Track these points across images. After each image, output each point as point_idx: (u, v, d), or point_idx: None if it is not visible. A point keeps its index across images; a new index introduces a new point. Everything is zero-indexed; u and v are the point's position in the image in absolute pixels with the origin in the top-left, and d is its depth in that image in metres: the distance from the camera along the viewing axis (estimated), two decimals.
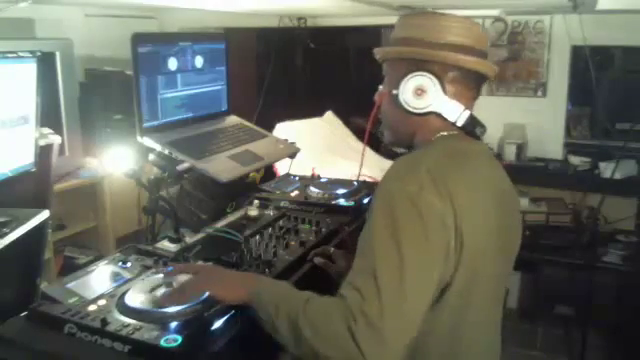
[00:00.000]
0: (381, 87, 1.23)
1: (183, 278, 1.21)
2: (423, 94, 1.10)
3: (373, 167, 2.30)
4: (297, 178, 2.11)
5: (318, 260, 1.44)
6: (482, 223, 1.04)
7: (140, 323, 1.07)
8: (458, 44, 1.11)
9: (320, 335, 0.94)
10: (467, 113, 1.12)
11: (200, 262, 1.37)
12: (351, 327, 0.90)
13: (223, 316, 1.11)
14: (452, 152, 1.09)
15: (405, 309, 0.92)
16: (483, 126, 1.14)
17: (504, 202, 1.13)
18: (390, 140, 1.25)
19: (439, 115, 1.12)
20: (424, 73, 1.10)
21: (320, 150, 2.41)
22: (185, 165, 1.50)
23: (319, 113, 2.88)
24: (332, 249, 1.48)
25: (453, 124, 1.12)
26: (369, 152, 2.63)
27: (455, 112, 1.12)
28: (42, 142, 1.90)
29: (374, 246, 0.96)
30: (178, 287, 1.15)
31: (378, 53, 1.21)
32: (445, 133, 1.13)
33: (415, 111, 1.12)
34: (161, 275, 1.26)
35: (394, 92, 1.14)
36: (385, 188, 1.02)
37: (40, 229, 1.73)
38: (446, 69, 1.11)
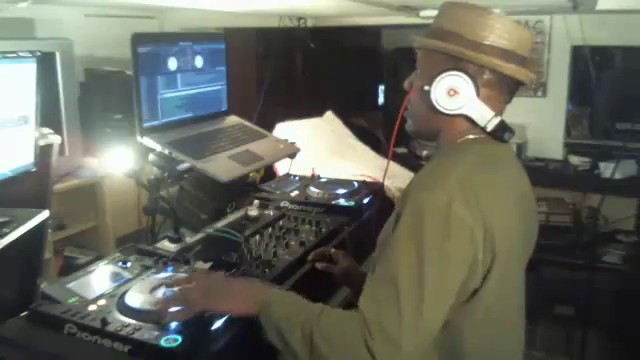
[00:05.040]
0: (413, 75, 1.18)
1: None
2: (456, 95, 1.07)
3: (373, 167, 2.30)
4: (297, 178, 2.11)
5: (320, 265, 1.44)
6: (511, 231, 1.04)
7: (140, 323, 1.07)
8: (499, 47, 1.06)
9: (337, 350, 0.94)
10: (497, 119, 1.08)
11: (201, 263, 1.36)
12: (367, 341, 0.91)
13: (223, 316, 1.11)
14: (481, 159, 1.07)
15: (423, 323, 0.93)
16: (512, 131, 1.11)
17: (527, 206, 1.14)
18: (412, 130, 1.20)
19: (468, 118, 1.09)
20: (460, 73, 1.06)
21: (320, 150, 2.41)
22: (185, 165, 1.50)
23: (319, 113, 2.88)
24: (332, 249, 1.48)
25: (481, 127, 1.10)
26: (369, 152, 2.64)
27: (485, 117, 1.08)
28: (42, 142, 1.89)
29: (398, 257, 0.96)
30: (179, 297, 1.10)
31: (416, 42, 1.15)
32: (472, 136, 1.10)
33: (445, 111, 1.09)
34: (161, 275, 1.27)
35: (426, 88, 1.10)
36: (415, 198, 0.99)
37: (40, 229, 1.72)
38: (482, 71, 1.07)
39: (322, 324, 0.96)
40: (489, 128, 1.08)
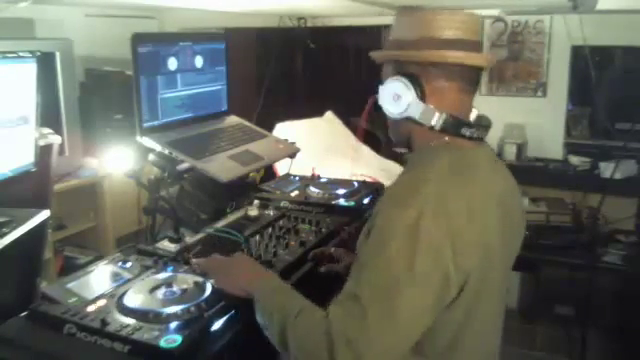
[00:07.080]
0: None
1: (183, 279, 1.22)
2: (399, 99, 1.07)
3: (373, 167, 2.30)
4: (297, 178, 2.11)
5: (323, 268, 1.43)
6: (487, 238, 1.02)
7: (140, 323, 1.07)
8: (438, 38, 1.05)
9: (303, 352, 0.96)
10: (444, 116, 1.06)
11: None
12: (333, 352, 0.91)
13: (223, 316, 1.11)
14: (452, 167, 1.04)
15: (388, 336, 0.92)
16: (471, 125, 1.09)
17: (507, 207, 1.10)
18: (392, 140, 1.22)
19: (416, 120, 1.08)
20: (399, 77, 1.07)
21: (320, 150, 2.41)
22: (185, 165, 1.51)
23: (319, 113, 2.88)
24: (332, 248, 1.48)
25: (429, 127, 1.07)
26: (369, 152, 2.64)
27: (428, 116, 1.06)
28: (42, 142, 1.90)
29: (367, 275, 0.96)
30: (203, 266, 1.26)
31: (372, 56, 1.19)
32: (447, 139, 1.08)
33: (394, 116, 1.10)
34: (161, 275, 1.27)
35: (376, 96, 1.13)
36: (386, 214, 0.99)
37: (40, 229, 1.73)
38: (425, 68, 1.06)
39: (296, 324, 0.97)
40: (437, 127, 1.06)
